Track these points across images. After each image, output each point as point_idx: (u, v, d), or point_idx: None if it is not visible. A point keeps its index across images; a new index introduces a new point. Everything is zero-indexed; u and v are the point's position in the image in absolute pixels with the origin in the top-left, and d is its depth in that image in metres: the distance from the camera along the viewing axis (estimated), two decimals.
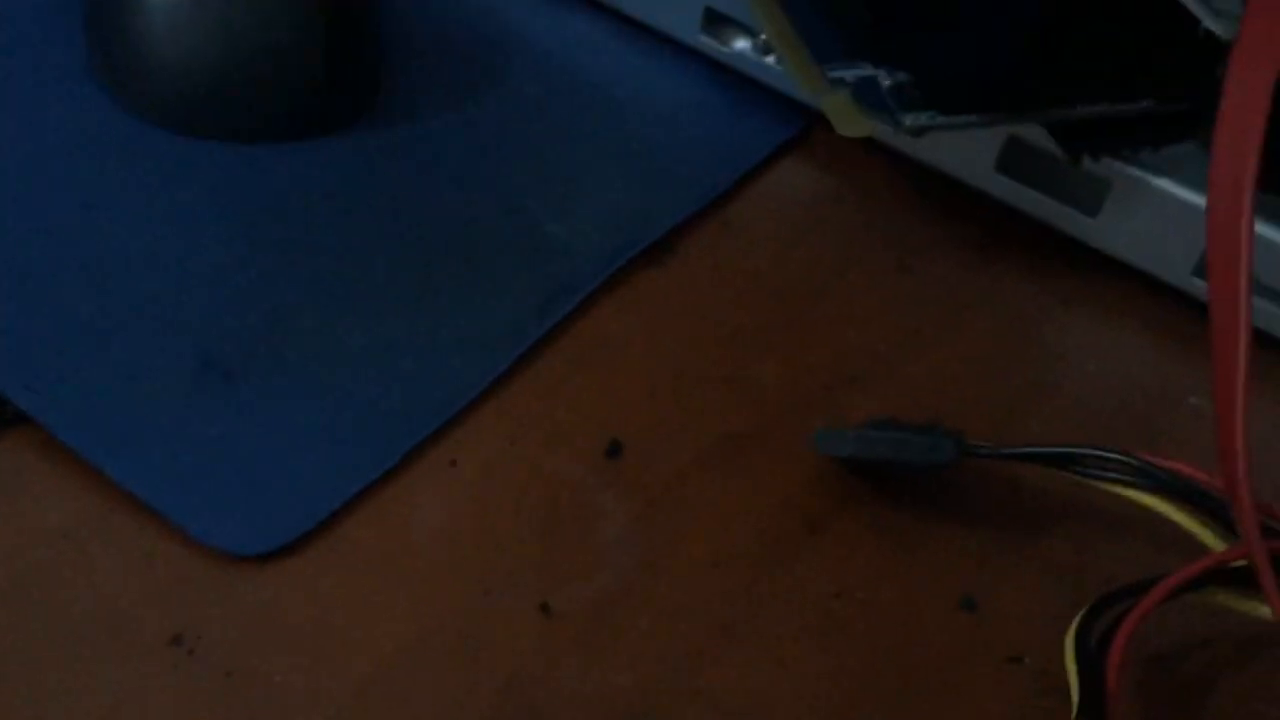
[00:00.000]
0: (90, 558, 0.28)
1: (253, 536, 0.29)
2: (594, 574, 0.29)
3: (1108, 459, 0.29)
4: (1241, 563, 0.27)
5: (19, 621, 0.27)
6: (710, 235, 0.37)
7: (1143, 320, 0.36)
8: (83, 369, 0.31)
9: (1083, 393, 0.35)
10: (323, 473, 0.30)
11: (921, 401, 0.34)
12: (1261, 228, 0.33)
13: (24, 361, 0.31)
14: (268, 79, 0.36)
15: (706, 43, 0.41)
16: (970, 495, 0.32)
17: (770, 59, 0.40)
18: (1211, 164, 0.26)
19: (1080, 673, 0.26)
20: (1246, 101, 0.25)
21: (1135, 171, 0.35)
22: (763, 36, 0.39)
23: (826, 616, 0.29)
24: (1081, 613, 0.27)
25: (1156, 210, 0.35)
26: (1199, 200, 0.35)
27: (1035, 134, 0.36)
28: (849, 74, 0.35)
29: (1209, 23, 0.31)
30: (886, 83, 0.34)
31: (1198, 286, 0.36)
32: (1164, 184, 0.35)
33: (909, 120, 0.34)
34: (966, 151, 0.38)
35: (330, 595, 0.28)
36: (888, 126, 0.34)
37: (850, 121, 0.35)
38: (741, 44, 0.40)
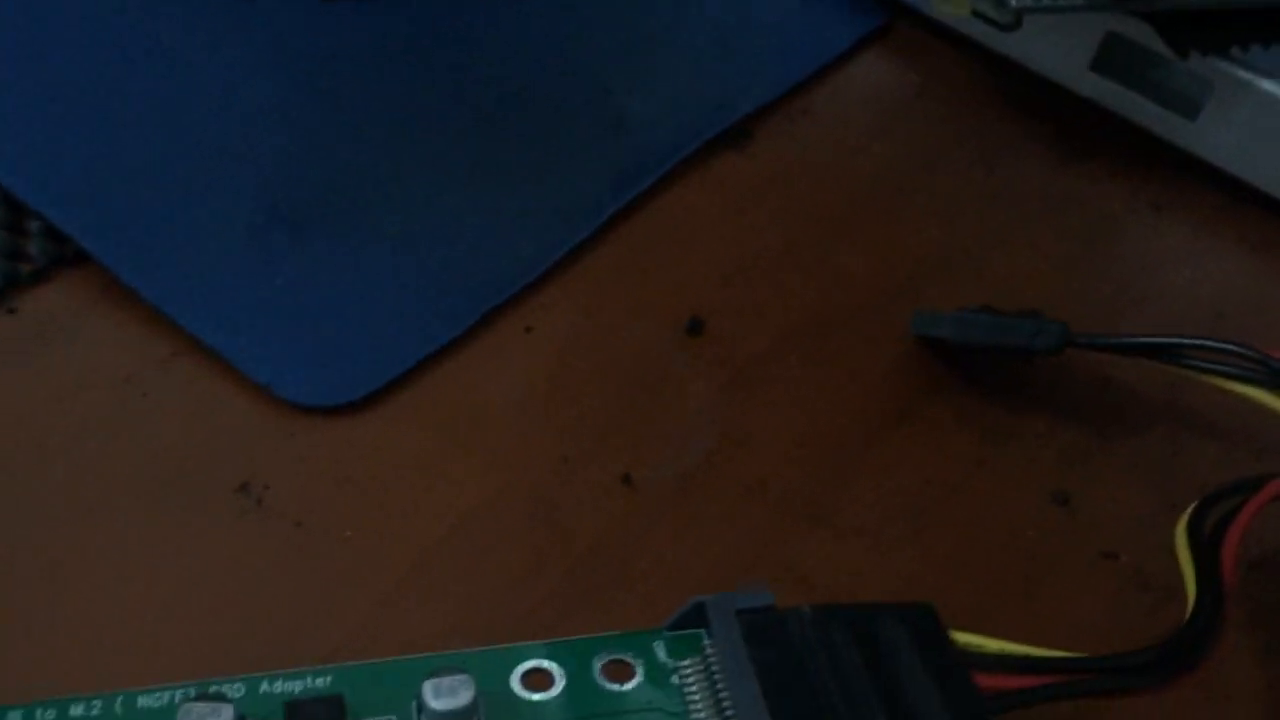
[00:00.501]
0: (153, 403, 0.27)
1: (323, 389, 0.27)
2: (677, 448, 0.28)
3: (1224, 350, 0.27)
4: None
5: (80, 467, 0.26)
6: (790, 124, 0.36)
7: (1239, 230, 0.35)
8: (148, 212, 0.29)
9: (1175, 300, 0.33)
10: (396, 330, 0.29)
11: (1008, 298, 0.32)
12: None
13: (87, 201, 0.29)
14: None
15: None
16: (1064, 389, 0.30)
17: None
18: None
19: (1196, 568, 0.24)
20: None
21: (1241, 73, 0.34)
22: None
23: (916, 503, 0.28)
24: (1191, 506, 0.26)
25: (1261, 115, 0.34)
26: None
27: (1136, 30, 0.35)
28: None
29: None
30: None
31: None
32: (1271, 86, 0.34)
33: (1013, 1, 0.32)
34: (1061, 49, 0.36)
35: (403, 454, 0.27)
36: (988, 8, 0.33)
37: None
38: None
